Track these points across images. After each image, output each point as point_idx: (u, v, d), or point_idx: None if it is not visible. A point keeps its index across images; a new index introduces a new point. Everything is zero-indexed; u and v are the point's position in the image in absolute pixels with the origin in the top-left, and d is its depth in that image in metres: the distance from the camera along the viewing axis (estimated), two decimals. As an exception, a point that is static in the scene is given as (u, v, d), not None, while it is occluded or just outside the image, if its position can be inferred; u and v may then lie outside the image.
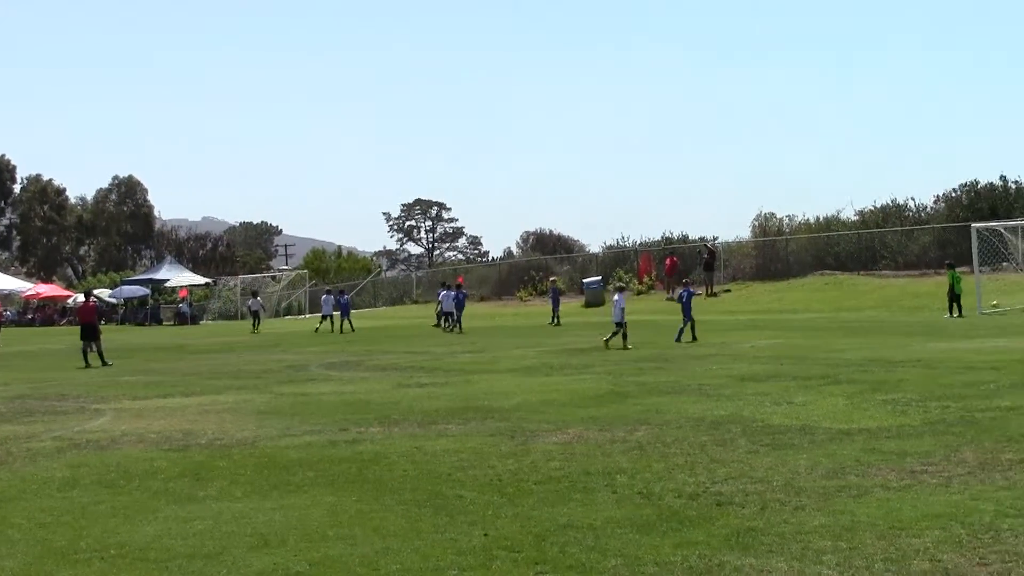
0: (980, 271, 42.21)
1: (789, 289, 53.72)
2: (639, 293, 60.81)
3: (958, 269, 41.20)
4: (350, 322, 50.80)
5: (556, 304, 48.57)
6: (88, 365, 31.68)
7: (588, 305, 60.03)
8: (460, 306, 46.17)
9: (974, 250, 42.05)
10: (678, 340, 32.17)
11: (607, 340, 31.20)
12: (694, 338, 32.06)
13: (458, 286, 49.20)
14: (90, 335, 32.72)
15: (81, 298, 40.59)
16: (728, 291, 57.58)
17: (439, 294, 50.32)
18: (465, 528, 9.60)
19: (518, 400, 19.14)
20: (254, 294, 64.68)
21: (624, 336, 31.06)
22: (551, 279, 55.17)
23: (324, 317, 51.94)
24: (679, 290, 36.26)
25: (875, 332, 32.89)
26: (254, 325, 56.62)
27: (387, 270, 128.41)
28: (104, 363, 32.01)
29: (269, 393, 22.37)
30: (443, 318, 47.96)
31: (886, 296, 49.68)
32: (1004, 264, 45.66)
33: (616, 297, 32.45)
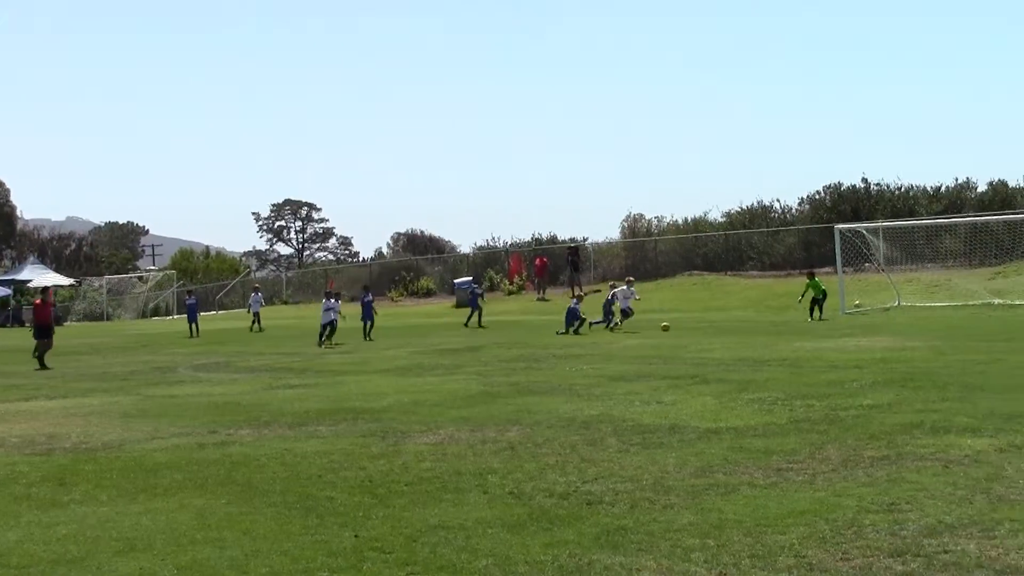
0: (843, 271, 43.02)
1: (658, 289, 54.20)
2: (510, 293, 61.14)
3: (822, 270, 41.75)
4: (196, 325, 47.17)
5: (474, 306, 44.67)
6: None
7: (459, 305, 59.99)
8: (369, 313, 39.43)
9: (837, 251, 42.81)
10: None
11: (612, 327, 37.03)
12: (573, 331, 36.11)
13: (365, 290, 42.63)
14: (44, 334, 31.82)
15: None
16: (598, 291, 57.97)
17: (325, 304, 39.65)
18: (335, 530, 9.54)
19: (389, 401, 19.08)
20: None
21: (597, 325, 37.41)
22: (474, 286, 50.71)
23: (255, 315, 49.61)
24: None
25: (742, 332, 33.35)
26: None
27: (256, 270, 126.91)
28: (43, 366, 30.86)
29: (136, 395, 22.02)
30: (324, 332, 37.86)
31: (753, 296, 50.45)
32: (866, 265, 46.63)
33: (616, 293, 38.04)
